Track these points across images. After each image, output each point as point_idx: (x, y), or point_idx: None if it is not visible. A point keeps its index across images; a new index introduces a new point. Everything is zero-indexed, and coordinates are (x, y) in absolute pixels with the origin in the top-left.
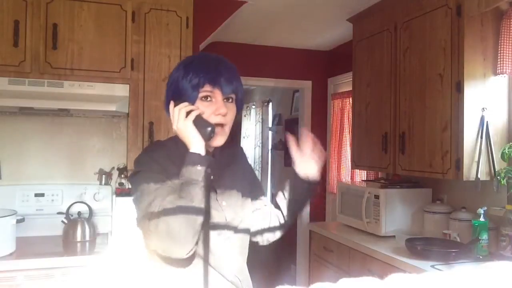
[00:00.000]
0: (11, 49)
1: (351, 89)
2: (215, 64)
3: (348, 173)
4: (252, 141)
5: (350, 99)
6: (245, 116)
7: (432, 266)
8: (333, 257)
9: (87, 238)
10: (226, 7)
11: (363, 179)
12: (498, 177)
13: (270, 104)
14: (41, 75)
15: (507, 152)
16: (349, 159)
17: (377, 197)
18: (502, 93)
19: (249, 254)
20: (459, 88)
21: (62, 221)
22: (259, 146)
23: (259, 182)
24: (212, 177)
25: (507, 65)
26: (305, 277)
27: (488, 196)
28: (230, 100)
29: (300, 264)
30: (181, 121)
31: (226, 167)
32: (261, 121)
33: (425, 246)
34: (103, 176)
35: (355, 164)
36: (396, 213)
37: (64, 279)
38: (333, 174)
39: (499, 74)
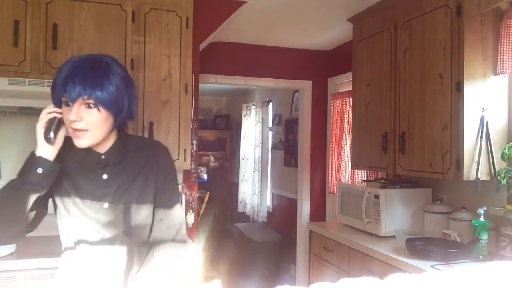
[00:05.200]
0: (11, 49)
1: (351, 89)
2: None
3: (348, 173)
4: (252, 141)
5: (350, 99)
6: (245, 116)
7: (432, 266)
8: (333, 257)
9: None
10: (226, 7)
11: (363, 179)
12: (498, 177)
13: (270, 104)
14: (41, 75)
15: (507, 152)
16: (349, 159)
17: (377, 197)
18: (502, 93)
19: (248, 253)
20: (459, 88)
21: None
22: (259, 146)
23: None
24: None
25: (507, 65)
26: (305, 277)
27: (488, 196)
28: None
29: (300, 264)
30: None
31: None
32: (261, 121)
33: (425, 246)
34: None
35: (355, 164)
36: (396, 213)
37: None
38: (333, 174)
39: (499, 74)
